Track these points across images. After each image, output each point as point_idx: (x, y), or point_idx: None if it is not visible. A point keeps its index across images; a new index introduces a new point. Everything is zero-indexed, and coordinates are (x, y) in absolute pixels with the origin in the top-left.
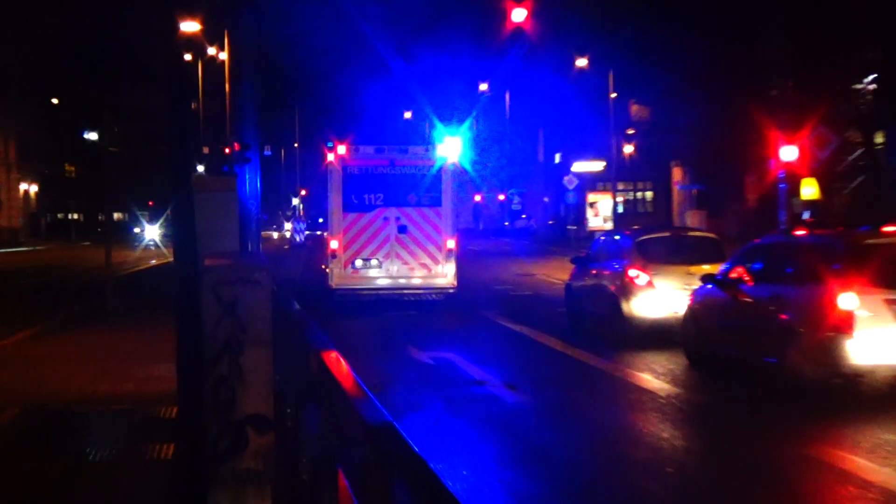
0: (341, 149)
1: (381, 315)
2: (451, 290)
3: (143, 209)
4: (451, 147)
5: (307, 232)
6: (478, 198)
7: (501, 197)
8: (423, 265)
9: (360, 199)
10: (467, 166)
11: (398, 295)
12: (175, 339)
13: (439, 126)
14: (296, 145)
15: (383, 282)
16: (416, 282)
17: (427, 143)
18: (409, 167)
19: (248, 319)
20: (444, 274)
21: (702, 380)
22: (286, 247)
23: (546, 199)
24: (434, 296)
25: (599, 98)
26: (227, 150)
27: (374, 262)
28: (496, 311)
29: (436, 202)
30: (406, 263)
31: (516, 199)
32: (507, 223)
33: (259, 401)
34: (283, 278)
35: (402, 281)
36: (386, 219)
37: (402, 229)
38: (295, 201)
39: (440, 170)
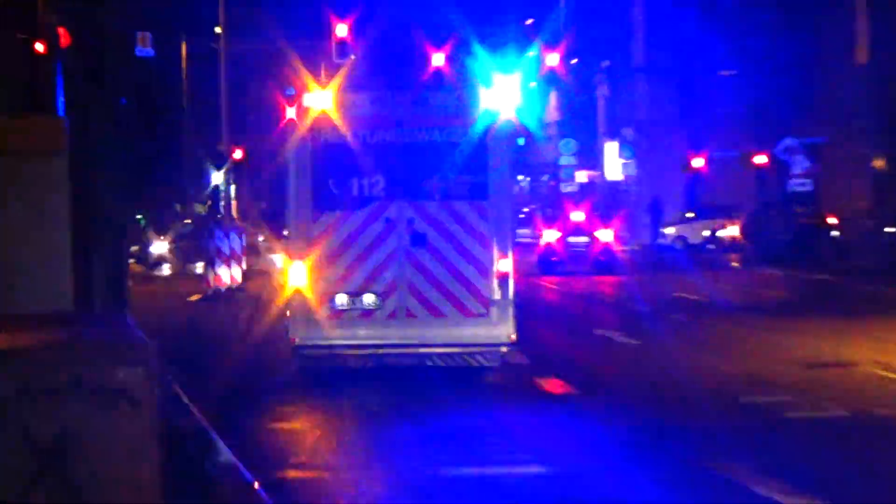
0: (312, 97)
1: (379, 402)
2: (503, 350)
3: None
4: (507, 94)
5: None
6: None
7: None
8: (457, 302)
9: (345, 187)
10: (533, 126)
11: (411, 358)
12: None
13: (483, 57)
14: (219, 44)
15: (385, 333)
16: (442, 333)
17: (462, 85)
18: (431, 130)
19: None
20: (494, 318)
21: None
22: (194, 297)
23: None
24: (478, 359)
25: None
26: (38, 46)
27: (368, 297)
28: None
29: (478, 192)
30: (425, 300)
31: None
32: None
33: None
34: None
35: (418, 332)
36: (390, 222)
37: (419, 239)
38: (216, 177)
39: (486, 134)
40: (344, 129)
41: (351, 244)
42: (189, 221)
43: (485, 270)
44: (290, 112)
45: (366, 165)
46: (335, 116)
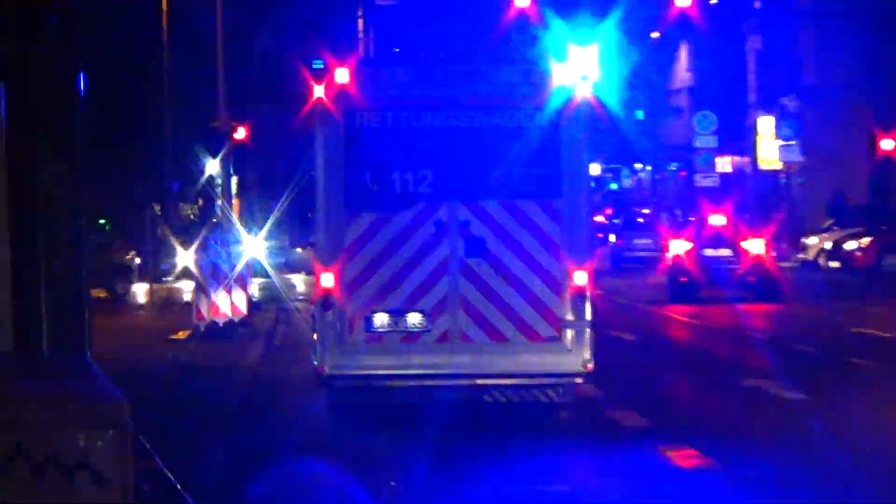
0: (342, 74)
1: (428, 445)
2: (578, 381)
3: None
4: (581, 67)
5: (258, 281)
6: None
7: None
8: (522, 324)
9: (385, 182)
10: (613, 103)
11: (466, 391)
12: None
13: (554, 24)
14: None
15: (434, 361)
16: (503, 361)
17: (528, 58)
18: (490, 112)
19: None
20: (567, 343)
21: None
22: (180, 335)
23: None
24: (548, 393)
25: None
26: None
27: (414, 317)
28: None
29: (548, 188)
30: (483, 320)
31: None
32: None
33: None
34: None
35: (474, 360)
36: (440, 225)
37: (476, 247)
38: (210, 165)
39: (558, 117)
40: (384, 111)
41: (393, 252)
42: (191, 210)
43: (556, 284)
44: (319, 90)
45: (411, 156)
46: (373, 96)
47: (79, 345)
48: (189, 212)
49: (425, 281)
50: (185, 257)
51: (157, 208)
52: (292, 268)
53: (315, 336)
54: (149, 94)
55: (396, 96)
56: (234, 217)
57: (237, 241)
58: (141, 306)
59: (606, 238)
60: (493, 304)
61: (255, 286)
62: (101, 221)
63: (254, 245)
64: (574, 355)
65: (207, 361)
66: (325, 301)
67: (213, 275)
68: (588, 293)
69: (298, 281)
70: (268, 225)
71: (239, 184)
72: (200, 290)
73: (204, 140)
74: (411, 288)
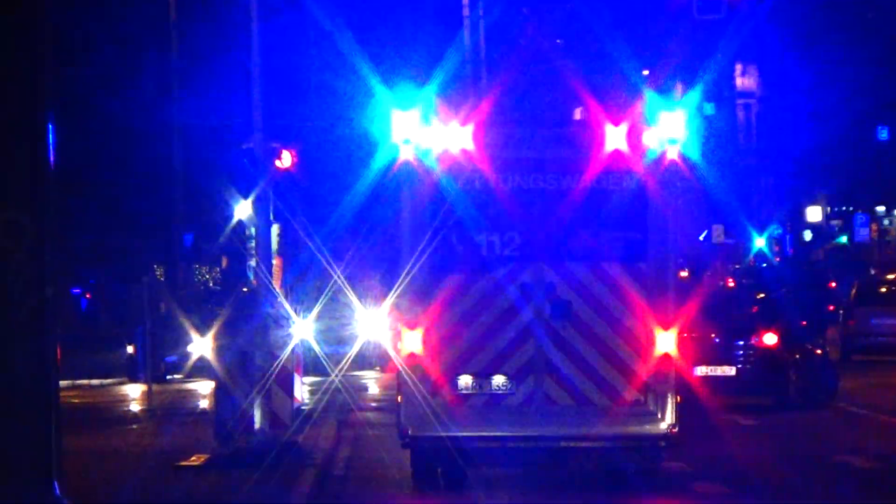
0: (433, 132)
1: None
2: (662, 443)
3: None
4: (672, 127)
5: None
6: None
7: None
8: (607, 387)
9: (471, 242)
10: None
11: (549, 455)
12: None
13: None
14: None
15: (519, 423)
16: (591, 424)
17: (619, 115)
18: (577, 175)
19: None
20: (650, 407)
21: None
22: (193, 460)
23: None
24: (633, 458)
25: None
26: None
27: (498, 379)
28: None
29: (635, 251)
30: (568, 384)
31: None
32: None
33: None
34: None
35: (559, 422)
36: (527, 288)
37: (561, 310)
38: (241, 208)
39: (646, 180)
40: (472, 172)
41: (478, 314)
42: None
43: (641, 348)
44: (406, 152)
45: (497, 217)
46: (461, 156)
47: (45, 477)
48: (208, 276)
49: (510, 343)
50: (200, 345)
51: (160, 272)
52: (364, 362)
53: (399, 398)
54: (150, 108)
55: (486, 157)
56: (276, 284)
57: (281, 320)
58: (136, 417)
59: (836, 314)
60: (578, 367)
61: (304, 388)
62: (79, 292)
63: (304, 327)
64: (659, 419)
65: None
66: (410, 362)
67: (243, 371)
68: (674, 357)
69: (371, 380)
70: (324, 298)
71: (281, 235)
72: (224, 393)
73: (230, 172)
74: (496, 350)
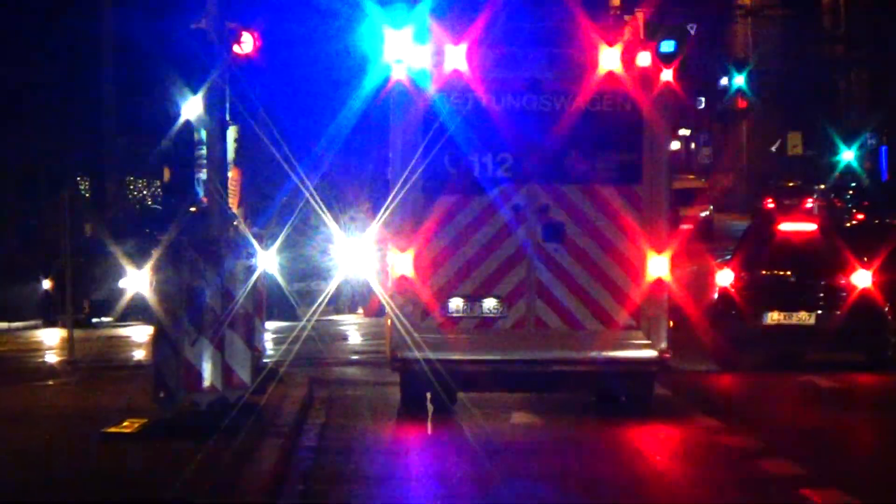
0: (419, 52)
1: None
2: (654, 368)
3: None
4: (663, 53)
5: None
6: None
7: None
8: (600, 311)
9: (463, 164)
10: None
11: (542, 379)
12: None
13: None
14: None
15: (510, 347)
16: (583, 348)
17: (615, 36)
18: (570, 95)
19: None
20: (643, 331)
21: None
22: (125, 429)
23: None
24: (627, 384)
25: None
26: None
27: (490, 302)
28: None
29: (629, 173)
30: (560, 307)
31: None
32: None
33: None
34: None
35: (550, 346)
36: (519, 209)
37: (554, 232)
38: (190, 106)
39: (641, 102)
40: (462, 92)
41: (470, 237)
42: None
43: (634, 272)
44: (398, 72)
45: (490, 138)
46: (453, 76)
47: None
48: (145, 192)
49: (502, 266)
50: (135, 280)
51: (85, 186)
52: (342, 303)
53: (389, 322)
54: None
55: (476, 77)
56: (232, 202)
57: (238, 250)
58: (53, 370)
59: None
60: (570, 290)
61: (268, 335)
62: None
63: (267, 258)
64: (651, 344)
65: (178, 482)
66: (400, 285)
67: (189, 312)
68: (666, 282)
69: (351, 327)
70: (293, 222)
71: (240, 140)
72: (165, 340)
73: (175, 59)
74: (487, 273)
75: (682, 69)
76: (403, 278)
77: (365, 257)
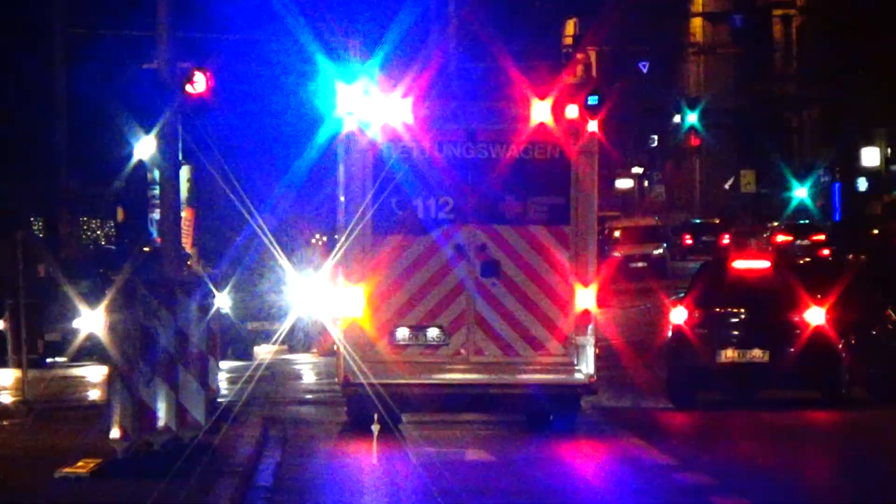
0: (372, 104)
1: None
2: (581, 392)
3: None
4: (590, 108)
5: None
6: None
7: None
8: (532, 340)
9: (408, 206)
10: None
11: (478, 401)
12: None
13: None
14: None
15: (452, 372)
16: (517, 373)
17: (545, 90)
18: (506, 145)
19: None
20: (571, 358)
21: None
22: (79, 470)
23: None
24: (552, 401)
25: None
26: None
27: (432, 332)
28: None
29: (558, 215)
30: (496, 336)
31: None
32: None
33: None
34: None
35: (488, 371)
36: (459, 248)
37: (491, 268)
38: (143, 146)
39: (569, 151)
40: (408, 142)
41: (415, 272)
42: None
43: (563, 304)
44: (350, 123)
45: (433, 183)
46: (400, 127)
47: None
48: (99, 232)
49: (444, 299)
50: (89, 320)
51: (38, 226)
52: (293, 340)
53: (339, 347)
54: (23, 10)
55: (422, 129)
56: (185, 242)
57: (192, 290)
58: (6, 410)
59: None
60: (506, 320)
61: (222, 375)
62: None
63: (221, 298)
64: (579, 370)
65: None
66: (351, 315)
67: (144, 353)
68: (593, 313)
69: (305, 366)
70: (247, 262)
71: (193, 180)
72: (120, 381)
73: (127, 99)
74: (431, 305)
75: (608, 120)
76: (352, 310)
77: (318, 297)
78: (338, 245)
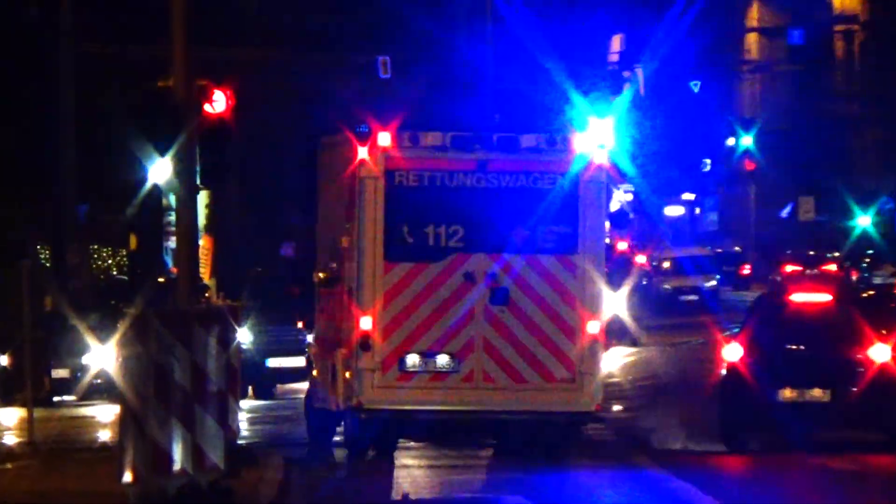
0: (384, 137)
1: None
2: (587, 419)
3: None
4: (599, 137)
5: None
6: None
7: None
8: (540, 367)
9: (419, 236)
10: (627, 166)
11: (487, 427)
12: None
13: (575, 99)
14: None
15: (460, 398)
16: (525, 400)
17: (552, 128)
18: (516, 175)
19: None
20: (579, 386)
21: None
22: None
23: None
24: (558, 428)
25: None
26: None
27: (442, 358)
28: None
29: (567, 245)
30: (505, 363)
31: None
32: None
33: None
34: None
35: (497, 397)
36: (469, 276)
37: (500, 296)
38: (157, 170)
39: (578, 181)
40: (421, 172)
41: (425, 299)
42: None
43: (571, 332)
44: (363, 152)
45: (443, 212)
46: (412, 158)
47: None
48: (110, 262)
49: (454, 326)
50: (100, 356)
51: (45, 255)
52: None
53: (348, 374)
54: (31, 28)
55: (432, 156)
56: (203, 273)
57: (211, 322)
58: (11, 452)
59: None
60: (515, 348)
61: (242, 415)
62: None
63: (242, 332)
64: (586, 397)
65: None
66: (363, 340)
67: (157, 390)
68: (600, 340)
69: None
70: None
71: (213, 206)
72: (132, 421)
73: (141, 120)
74: (441, 332)
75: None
76: (364, 336)
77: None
78: (348, 271)
